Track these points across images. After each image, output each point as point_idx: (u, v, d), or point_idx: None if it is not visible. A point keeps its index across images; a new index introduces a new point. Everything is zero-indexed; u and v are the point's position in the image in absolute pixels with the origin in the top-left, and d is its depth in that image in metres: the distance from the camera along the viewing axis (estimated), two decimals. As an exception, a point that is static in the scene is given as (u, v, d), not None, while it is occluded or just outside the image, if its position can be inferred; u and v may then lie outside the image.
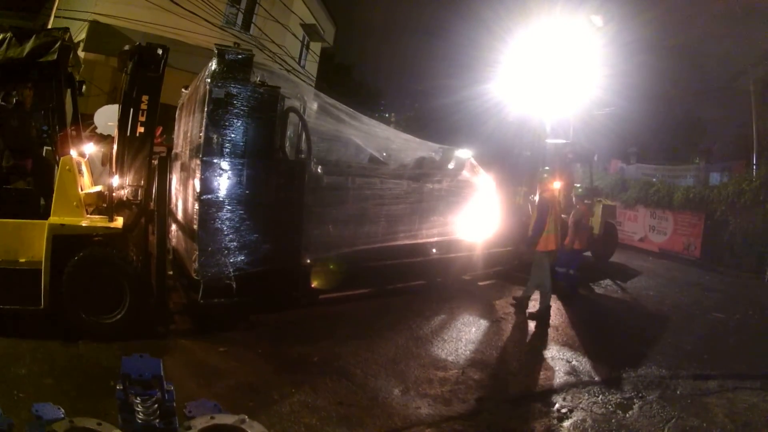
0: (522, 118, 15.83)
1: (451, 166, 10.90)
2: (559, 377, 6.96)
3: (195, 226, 7.61)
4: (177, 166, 8.65)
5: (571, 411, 6.00)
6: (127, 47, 7.45)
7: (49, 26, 17.56)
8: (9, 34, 6.96)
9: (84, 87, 8.47)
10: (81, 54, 11.34)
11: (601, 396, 6.45)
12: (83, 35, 18.35)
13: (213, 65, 7.73)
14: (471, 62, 30.63)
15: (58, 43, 6.91)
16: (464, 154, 11.12)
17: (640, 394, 6.62)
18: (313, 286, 8.53)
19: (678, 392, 6.86)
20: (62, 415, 2.42)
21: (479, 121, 20.60)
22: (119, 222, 7.16)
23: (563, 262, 11.52)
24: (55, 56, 6.89)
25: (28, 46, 6.88)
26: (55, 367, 6.18)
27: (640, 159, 28.11)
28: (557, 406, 6.12)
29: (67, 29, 7.35)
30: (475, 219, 11.04)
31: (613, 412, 6.06)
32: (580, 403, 6.23)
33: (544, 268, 9.71)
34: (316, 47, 32.51)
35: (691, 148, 31.53)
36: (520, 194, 13.81)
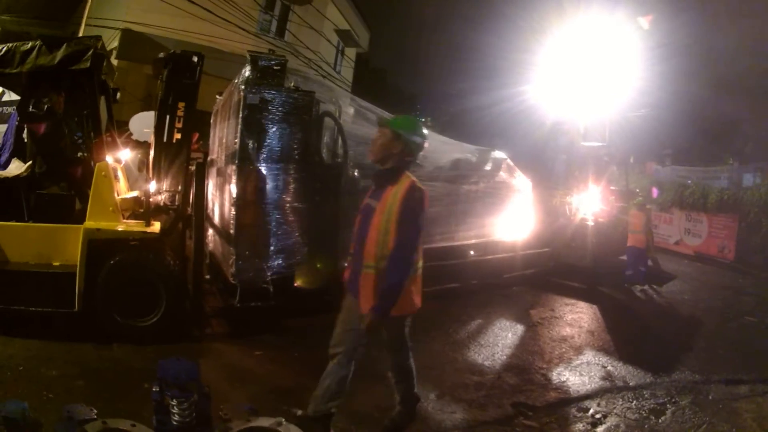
0: (558, 120, 15.71)
1: (487, 167, 10.83)
2: (594, 382, 6.91)
3: (232, 231, 7.64)
4: (213, 171, 8.69)
5: (605, 416, 5.97)
6: (161, 55, 7.51)
7: (80, 35, 17.73)
8: (38, 42, 7.09)
9: (119, 94, 8.55)
10: (114, 61, 11.45)
11: (635, 401, 6.40)
12: (116, 43, 18.51)
13: (247, 71, 7.77)
14: (506, 64, 30.51)
15: (91, 51, 7.01)
16: (500, 155, 11.04)
17: (673, 399, 6.57)
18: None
19: (710, 397, 6.79)
20: (95, 416, 2.41)
21: (515, 123, 20.49)
22: (156, 227, 7.22)
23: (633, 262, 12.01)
24: (88, 64, 6.99)
25: (59, 54, 7.00)
26: (87, 369, 6.23)
27: (674, 161, 27.86)
28: (591, 411, 6.07)
29: (99, 37, 7.46)
30: (512, 221, 10.98)
31: (646, 418, 6.03)
32: (614, 408, 6.19)
33: None
34: (351, 53, 32.64)
35: (724, 149, 31.14)
36: (556, 196, 13.69)
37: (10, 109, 12.26)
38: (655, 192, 21.26)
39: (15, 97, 10.65)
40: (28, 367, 6.18)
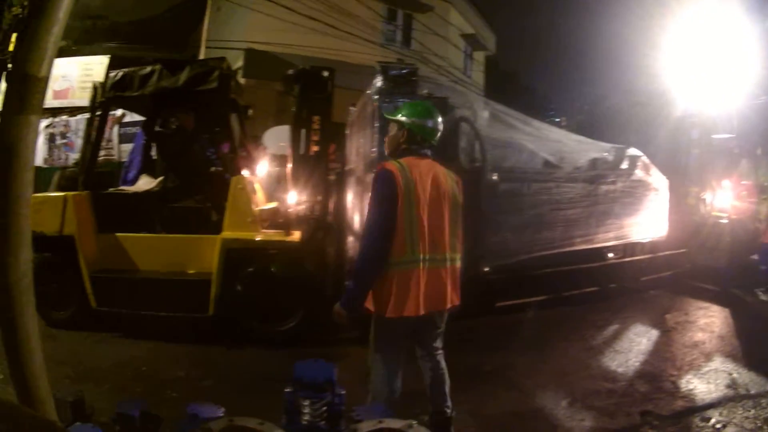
0: (687, 112, 15.21)
1: (624, 165, 10.56)
2: (719, 390, 6.64)
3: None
4: (351, 180, 8.78)
5: (724, 426, 5.75)
6: (290, 71, 7.69)
7: (201, 57, 18.34)
8: (158, 66, 7.45)
9: (250, 111, 8.80)
10: (241, 80, 11.75)
11: (753, 410, 6.11)
12: (240, 62, 18.93)
13: (378, 82, 7.76)
14: (634, 56, 29.77)
15: (217, 72, 7.30)
16: (636, 152, 10.76)
17: None
18: (490, 294, 8.48)
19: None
20: (221, 414, 2.40)
21: (647, 118, 19.98)
22: (296, 236, 7.33)
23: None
24: (215, 84, 7.30)
25: (183, 76, 7.37)
26: (216, 371, 6.44)
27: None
28: (713, 420, 5.85)
29: (223, 59, 7.82)
30: (650, 221, 10.69)
31: (760, 428, 5.77)
32: (734, 417, 5.94)
33: None
34: (479, 57, 32.68)
35: None
36: (692, 194, 13.25)
37: (134, 130, 12.76)
38: None
39: (138, 117, 11.09)
40: (153, 367, 6.44)
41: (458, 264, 4.40)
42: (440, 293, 4.23)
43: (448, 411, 4.64)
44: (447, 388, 4.60)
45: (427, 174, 4.22)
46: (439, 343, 4.60)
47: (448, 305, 4.30)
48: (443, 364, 4.63)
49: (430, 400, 4.58)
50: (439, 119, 4.47)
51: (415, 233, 4.09)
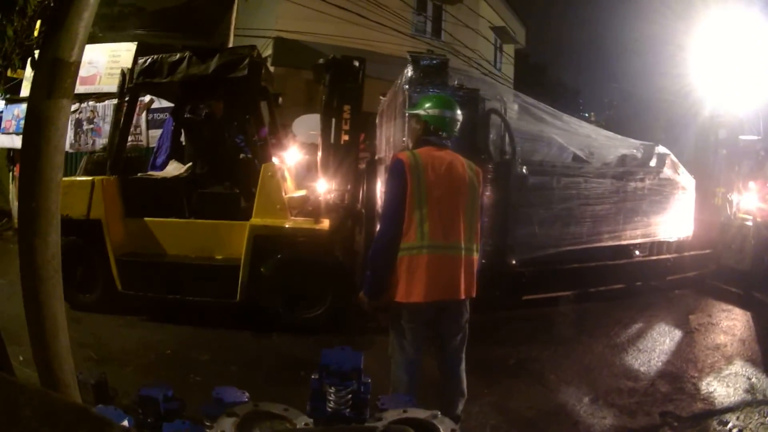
0: (714, 112, 15.10)
1: (652, 163, 10.51)
2: (738, 394, 6.61)
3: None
4: (381, 170, 8.80)
5: (741, 431, 5.75)
6: (321, 61, 7.73)
7: (230, 45, 18.37)
8: (187, 54, 7.52)
9: (280, 99, 8.83)
10: (270, 68, 11.79)
11: None
12: (269, 51, 19.01)
13: (409, 72, 7.82)
14: (663, 54, 29.59)
15: (247, 60, 7.31)
16: (664, 150, 10.71)
17: None
18: (517, 287, 8.49)
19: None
20: (246, 399, 2.40)
21: (675, 116, 19.86)
22: (325, 224, 7.37)
23: None
24: (245, 72, 7.31)
25: (213, 63, 7.41)
26: (243, 356, 6.48)
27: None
28: (730, 425, 5.84)
29: (254, 47, 7.82)
30: (677, 220, 10.65)
31: None
32: (750, 423, 5.93)
33: None
34: (509, 50, 32.59)
35: None
36: (718, 195, 13.17)
37: (162, 116, 12.82)
38: None
39: (166, 103, 11.14)
40: (178, 351, 6.50)
41: (475, 255, 4.35)
42: (452, 281, 4.21)
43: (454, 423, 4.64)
44: (459, 399, 4.47)
45: (442, 164, 4.24)
46: (458, 343, 4.47)
47: (462, 296, 4.26)
48: (460, 373, 4.51)
49: (441, 402, 4.36)
50: (458, 111, 4.48)
51: (425, 220, 4.13)
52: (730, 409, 6.20)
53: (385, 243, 4.28)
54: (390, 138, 8.60)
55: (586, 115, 33.45)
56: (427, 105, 4.44)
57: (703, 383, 6.82)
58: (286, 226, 7.28)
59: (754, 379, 7.01)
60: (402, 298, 4.14)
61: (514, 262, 8.22)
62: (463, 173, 4.31)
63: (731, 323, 9.34)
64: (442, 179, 4.19)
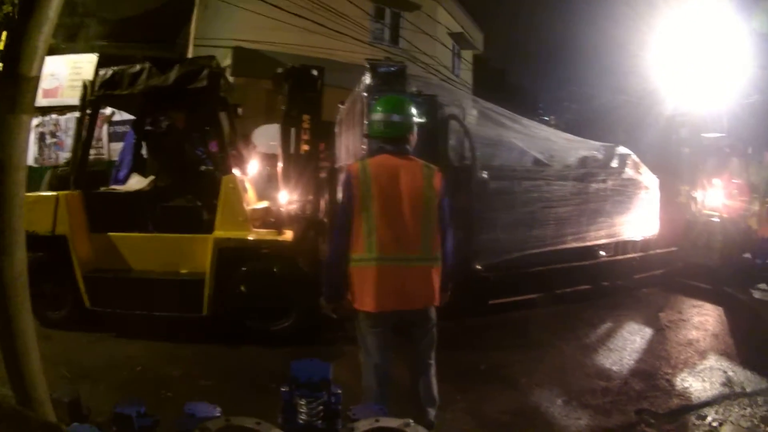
0: (677, 111, 15.23)
1: (614, 164, 10.57)
2: (715, 389, 6.71)
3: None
4: (341, 178, 8.82)
5: (720, 424, 5.81)
6: (280, 70, 7.74)
7: (189, 55, 18.33)
8: (147, 65, 7.40)
9: (240, 109, 8.78)
10: (230, 79, 11.77)
11: (749, 409, 6.18)
12: (228, 61, 18.97)
13: (367, 79, 7.81)
14: (621, 56, 29.86)
15: (206, 71, 7.26)
16: (625, 151, 10.78)
17: None
18: (482, 292, 8.47)
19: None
20: (218, 414, 2.39)
21: (636, 116, 20.04)
22: (288, 235, 7.36)
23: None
24: (204, 83, 7.25)
25: (173, 74, 7.32)
26: (213, 370, 6.43)
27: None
28: (709, 419, 5.91)
29: (212, 57, 7.81)
30: (641, 219, 10.74)
31: (756, 426, 5.84)
32: (730, 416, 6.00)
33: None
34: (467, 55, 32.90)
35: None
36: (683, 193, 13.28)
37: (123, 128, 12.76)
38: None
39: (127, 116, 11.08)
40: (148, 367, 6.44)
41: (432, 265, 4.31)
42: (404, 292, 4.21)
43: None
44: (430, 406, 4.45)
45: (392, 173, 4.23)
46: (425, 348, 4.48)
47: (418, 306, 4.28)
48: (429, 379, 4.49)
49: (413, 411, 4.33)
50: (410, 112, 4.42)
51: (372, 232, 4.15)
52: (708, 404, 6.27)
53: (335, 255, 4.39)
54: (349, 146, 8.60)
55: (546, 118, 33.70)
56: (376, 109, 4.43)
57: (678, 379, 6.89)
58: (250, 238, 7.25)
59: (730, 373, 7.09)
60: (358, 306, 4.28)
61: (478, 267, 8.21)
62: (416, 181, 4.26)
63: (702, 319, 9.45)
64: (391, 190, 4.18)
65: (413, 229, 4.20)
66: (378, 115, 4.36)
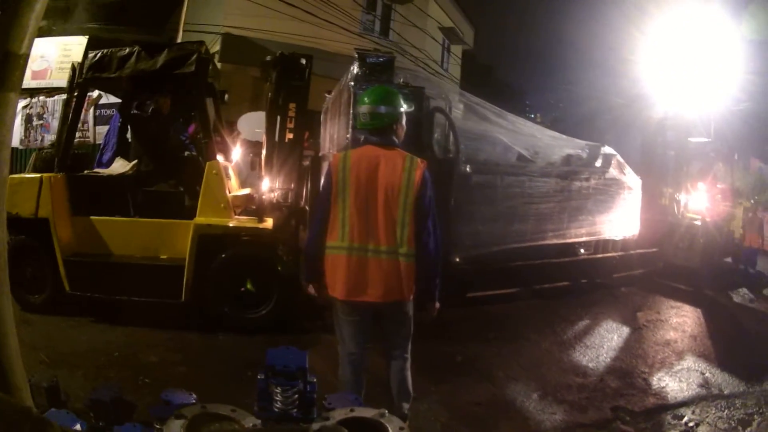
0: (664, 114, 15.29)
1: (598, 163, 10.63)
2: (692, 389, 6.78)
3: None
4: (324, 167, 8.82)
5: (697, 425, 5.87)
6: (268, 58, 7.72)
7: (179, 40, 18.23)
8: (136, 48, 7.37)
9: (226, 96, 8.72)
10: (218, 65, 11.73)
11: (726, 410, 6.25)
12: (217, 47, 18.84)
13: (355, 69, 7.80)
14: (612, 58, 29.99)
15: (195, 56, 7.24)
16: (610, 151, 10.82)
17: (761, 411, 6.35)
18: (461, 285, 8.47)
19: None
20: (194, 401, 2.39)
21: (623, 118, 20.12)
22: (269, 223, 7.36)
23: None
24: (192, 68, 7.22)
25: (161, 59, 7.27)
26: (190, 357, 6.44)
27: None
28: (686, 419, 5.97)
29: (202, 42, 7.76)
30: (622, 219, 10.79)
31: (734, 428, 5.90)
32: (707, 417, 6.07)
33: None
34: (457, 50, 32.89)
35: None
36: (666, 195, 13.35)
37: (109, 112, 12.72)
38: None
39: (113, 99, 11.04)
40: (126, 353, 6.39)
41: (403, 259, 4.21)
42: (375, 283, 4.20)
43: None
44: (404, 398, 4.46)
45: (372, 165, 4.21)
46: (398, 339, 4.47)
47: (385, 299, 4.24)
48: (404, 370, 4.48)
49: (389, 401, 4.39)
50: (396, 103, 4.39)
51: (346, 221, 4.20)
52: (684, 404, 6.34)
53: (310, 238, 4.51)
54: (334, 135, 8.60)
55: (533, 116, 33.83)
56: (363, 100, 4.41)
57: (655, 378, 6.95)
58: (230, 225, 7.23)
59: (707, 374, 7.17)
60: (331, 292, 4.34)
61: (457, 259, 8.22)
62: (395, 173, 4.20)
63: (681, 320, 9.53)
64: (368, 180, 4.18)
65: (385, 221, 4.18)
66: (364, 107, 4.34)
